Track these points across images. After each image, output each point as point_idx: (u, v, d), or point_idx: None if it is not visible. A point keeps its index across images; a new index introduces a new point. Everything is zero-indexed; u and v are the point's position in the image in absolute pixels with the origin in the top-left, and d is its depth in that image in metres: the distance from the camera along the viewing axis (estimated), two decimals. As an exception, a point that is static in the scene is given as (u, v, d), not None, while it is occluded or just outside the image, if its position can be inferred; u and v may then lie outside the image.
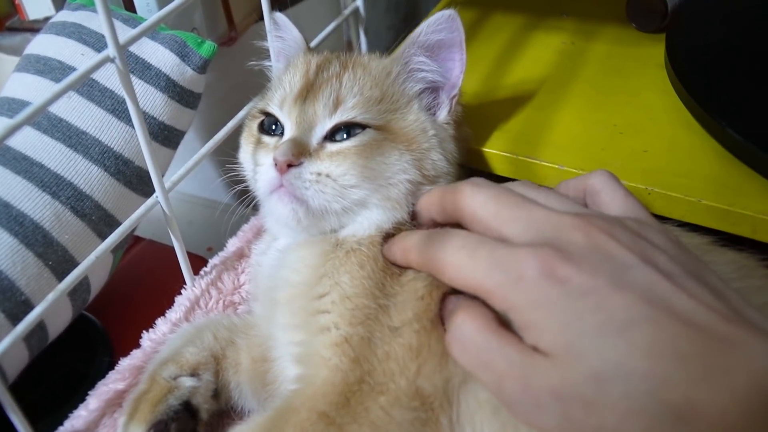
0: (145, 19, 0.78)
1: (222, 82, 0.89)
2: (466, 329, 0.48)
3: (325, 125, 0.63)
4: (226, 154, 0.71)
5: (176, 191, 0.70)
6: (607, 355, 0.42)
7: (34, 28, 1.10)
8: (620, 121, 0.80)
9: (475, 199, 0.53)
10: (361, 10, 1.01)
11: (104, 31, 0.55)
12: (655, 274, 0.45)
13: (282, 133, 0.65)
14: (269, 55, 0.77)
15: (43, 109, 0.52)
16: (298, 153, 0.60)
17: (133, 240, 0.88)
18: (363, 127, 0.63)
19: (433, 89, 0.68)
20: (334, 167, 0.61)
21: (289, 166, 0.60)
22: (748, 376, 0.40)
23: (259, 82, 0.77)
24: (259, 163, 0.65)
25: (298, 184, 0.60)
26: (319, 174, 0.61)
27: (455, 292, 0.55)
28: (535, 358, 0.44)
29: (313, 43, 0.90)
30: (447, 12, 0.64)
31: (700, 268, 0.48)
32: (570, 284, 0.44)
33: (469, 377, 0.53)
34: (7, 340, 0.56)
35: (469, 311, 0.49)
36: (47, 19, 1.03)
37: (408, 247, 0.57)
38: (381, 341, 0.55)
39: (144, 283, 0.88)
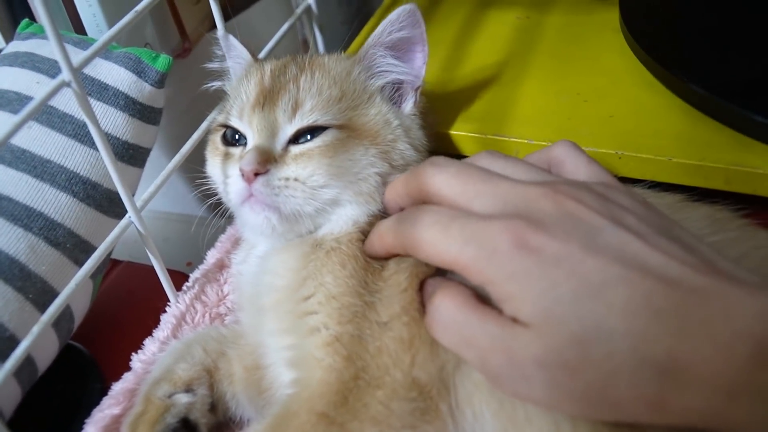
0: (95, 40, 0.78)
1: (181, 94, 0.88)
2: (445, 309, 0.49)
3: (287, 131, 0.63)
4: (194, 170, 0.70)
5: (149, 209, 0.70)
6: (585, 319, 0.42)
7: (-14, 61, 1.09)
8: (583, 89, 0.80)
9: (438, 179, 0.53)
10: (314, 6, 1.01)
11: (56, 56, 0.55)
12: (626, 234, 0.45)
13: (246, 143, 0.65)
14: (222, 71, 0.76)
15: (4, 143, 0.51)
16: (264, 161, 0.60)
17: (110, 264, 0.86)
18: (325, 128, 0.63)
19: (397, 82, 0.68)
20: (301, 169, 0.61)
21: (257, 174, 0.60)
22: (729, 325, 0.40)
23: (218, 92, 0.77)
24: (227, 175, 0.64)
25: (267, 191, 0.60)
26: (287, 179, 0.60)
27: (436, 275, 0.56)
28: (515, 329, 0.44)
29: (268, 45, 0.91)
30: (407, 7, 0.64)
31: (670, 225, 0.48)
32: (543, 253, 0.44)
33: (462, 361, 0.53)
34: (-2, 378, 0.55)
35: (447, 291, 0.49)
36: (-1, 51, 1.02)
37: (382, 232, 0.57)
38: (371, 337, 0.55)
39: (126, 305, 0.87)
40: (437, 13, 1.03)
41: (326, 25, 1.07)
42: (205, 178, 0.69)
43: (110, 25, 0.81)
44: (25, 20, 0.85)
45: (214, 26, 0.77)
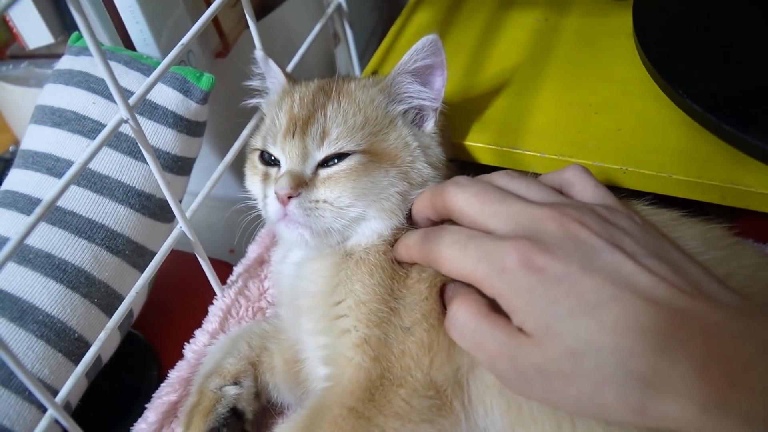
0: (144, 57, 0.84)
1: (223, 91, 0.94)
2: (461, 316, 0.56)
3: (316, 157, 0.69)
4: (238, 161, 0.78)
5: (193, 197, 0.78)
6: (579, 334, 0.49)
7: (36, 54, 1.15)
8: (594, 100, 0.85)
9: (460, 198, 0.61)
10: (344, 4, 1.05)
11: (114, 96, 0.61)
12: (621, 255, 0.52)
13: (280, 164, 0.71)
14: (262, 89, 0.82)
15: (81, 171, 0.59)
16: (296, 185, 0.66)
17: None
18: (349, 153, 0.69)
19: (419, 106, 0.74)
20: (329, 192, 0.67)
21: (290, 197, 0.67)
22: (705, 344, 0.46)
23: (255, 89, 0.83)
24: (265, 195, 0.71)
25: (299, 212, 0.67)
26: (317, 201, 0.67)
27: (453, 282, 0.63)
28: (520, 339, 0.52)
29: (302, 48, 0.96)
30: (431, 37, 0.69)
31: (663, 247, 0.55)
32: (546, 272, 0.51)
33: (475, 364, 0.61)
34: (70, 381, 0.64)
35: (463, 299, 0.57)
36: (48, 47, 1.08)
37: (409, 245, 0.65)
38: (396, 341, 0.62)
39: (178, 292, 0.96)
40: (461, 13, 1.07)
41: (355, 13, 1.11)
42: (246, 192, 0.76)
43: (156, 39, 0.87)
44: (76, 33, 0.91)
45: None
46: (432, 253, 0.59)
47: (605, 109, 0.84)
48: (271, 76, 0.80)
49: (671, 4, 0.91)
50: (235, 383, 0.72)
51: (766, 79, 0.77)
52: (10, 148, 1.33)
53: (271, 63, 0.79)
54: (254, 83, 0.82)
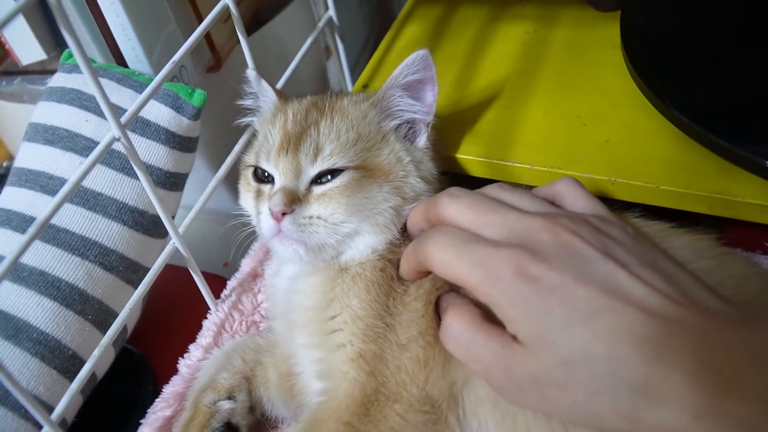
0: (136, 73, 0.85)
1: (215, 104, 0.94)
2: (456, 326, 0.57)
3: (309, 173, 0.69)
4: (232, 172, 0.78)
5: (187, 209, 0.79)
6: (573, 343, 0.49)
7: (29, 70, 1.16)
8: (583, 112, 0.85)
9: (453, 209, 0.61)
10: (335, 18, 1.06)
11: (106, 115, 0.62)
12: (614, 265, 0.52)
13: (274, 181, 0.72)
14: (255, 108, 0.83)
15: (69, 196, 0.59)
16: (290, 201, 0.67)
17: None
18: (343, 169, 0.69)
19: (410, 120, 0.75)
20: (323, 208, 0.68)
21: (284, 214, 0.67)
22: (696, 353, 0.47)
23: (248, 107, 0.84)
24: (259, 211, 0.72)
25: (293, 228, 0.67)
26: (311, 217, 0.68)
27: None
28: (514, 348, 0.52)
29: (294, 62, 0.96)
30: (421, 53, 0.70)
31: (656, 257, 0.55)
32: (541, 282, 0.51)
33: (469, 378, 0.62)
34: (66, 398, 0.65)
35: (457, 310, 0.57)
36: (41, 63, 1.09)
37: (407, 253, 0.65)
38: (391, 356, 0.63)
39: (171, 306, 0.96)
40: (451, 25, 1.07)
41: (347, 26, 1.11)
42: (240, 210, 0.77)
43: (148, 55, 0.88)
44: (67, 50, 0.91)
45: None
46: (426, 255, 0.59)
47: (594, 120, 0.84)
48: (263, 94, 0.81)
49: (658, 16, 0.92)
50: (230, 398, 0.73)
51: (753, 90, 0.78)
52: (4, 164, 1.33)
53: (264, 83, 0.79)
54: (247, 102, 0.82)
